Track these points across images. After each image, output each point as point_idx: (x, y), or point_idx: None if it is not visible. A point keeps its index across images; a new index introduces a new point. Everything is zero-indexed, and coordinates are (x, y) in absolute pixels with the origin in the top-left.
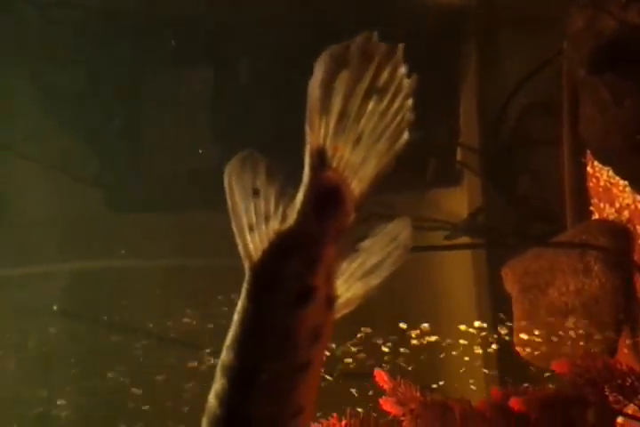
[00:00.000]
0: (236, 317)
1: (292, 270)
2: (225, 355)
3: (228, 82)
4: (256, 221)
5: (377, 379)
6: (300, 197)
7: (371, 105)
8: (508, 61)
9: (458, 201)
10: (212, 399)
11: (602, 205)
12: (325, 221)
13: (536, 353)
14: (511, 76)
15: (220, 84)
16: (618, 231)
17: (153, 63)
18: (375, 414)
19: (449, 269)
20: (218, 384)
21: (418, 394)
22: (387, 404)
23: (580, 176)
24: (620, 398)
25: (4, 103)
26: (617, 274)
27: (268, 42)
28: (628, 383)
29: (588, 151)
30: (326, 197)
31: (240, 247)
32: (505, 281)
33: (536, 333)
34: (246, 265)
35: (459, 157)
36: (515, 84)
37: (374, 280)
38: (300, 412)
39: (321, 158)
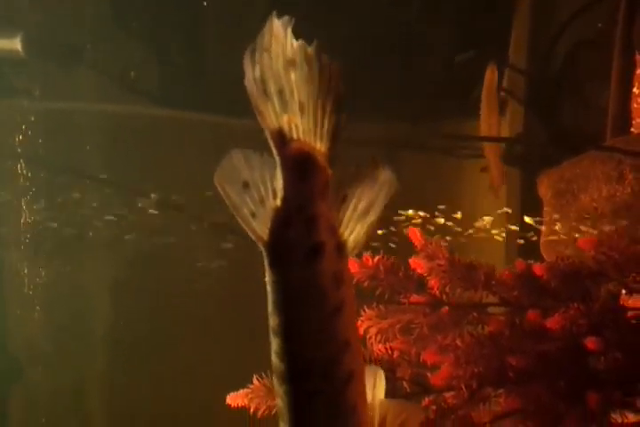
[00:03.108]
0: (268, 288)
1: (297, 235)
2: (271, 321)
3: None
4: (255, 208)
5: (410, 236)
6: (279, 173)
7: (294, 75)
8: None
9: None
10: (274, 359)
11: None
12: (308, 184)
13: (561, 256)
14: (565, 7)
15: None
16: None
17: None
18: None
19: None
20: (274, 345)
21: (446, 253)
22: (415, 262)
23: (626, 99)
24: (638, 279)
25: (76, 11)
26: None
27: None
28: None
29: (637, 73)
30: (299, 165)
31: (250, 234)
32: (539, 187)
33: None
34: (260, 246)
35: (504, 85)
36: (568, 15)
37: (371, 218)
38: (348, 345)
39: (280, 135)
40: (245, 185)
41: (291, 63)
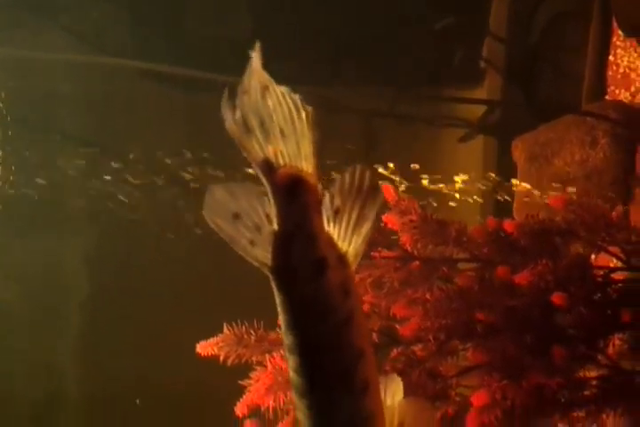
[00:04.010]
0: (279, 309)
1: (299, 253)
2: (285, 340)
3: None
4: (252, 236)
5: (384, 192)
6: (271, 200)
7: (270, 106)
8: None
9: (478, 98)
10: (292, 375)
11: (617, 91)
12: (302, 205)
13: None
14: None
15: None
16: (629, 109)
17: None
18: None
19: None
20: (291, 362)
21: (419, 209)
22: (388, 217)
23: (602, 66)
24: (607, 238)
25: None
26: (622, 149)
27: None
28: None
29: (614, 41)
30: (290, 189)
31: (252, 261)
32: (514, 151)
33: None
34: (266, 271)
35: (484, 54)
36: None
37: (366, 226)
38: (362, 353)
39: (267, 165)
40: (236, 216)
41: (265, 89)
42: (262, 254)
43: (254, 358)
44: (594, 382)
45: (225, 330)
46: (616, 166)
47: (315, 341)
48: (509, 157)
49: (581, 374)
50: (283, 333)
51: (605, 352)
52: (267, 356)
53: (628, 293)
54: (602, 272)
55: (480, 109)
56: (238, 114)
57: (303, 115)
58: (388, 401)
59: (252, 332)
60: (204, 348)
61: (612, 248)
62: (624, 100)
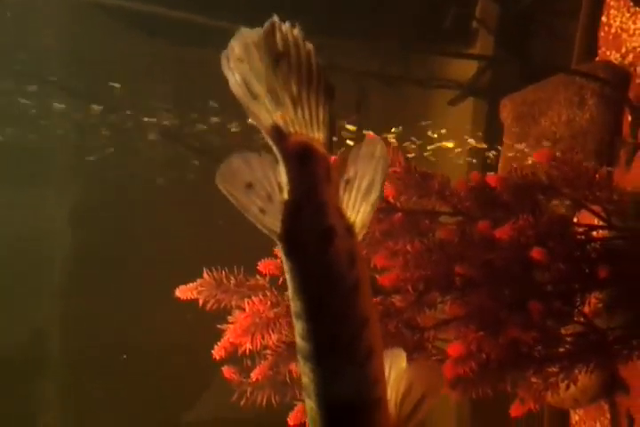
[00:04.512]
0: (287, 277)
1: (308, 222)
2: (293, 306)
3: None
4: (263, 205)
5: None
6: (281, 168)
7: (281, 71)
8: None
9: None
10: (298, 341)
11: (608, 52)
12: (312, 174)
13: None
14: None
15: None
16: (618, 70)
17: None
18: None
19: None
20: (298, 327)
21: (403, 160)
22: None
23: (594, 27)
24: (589, 196)
25: None
26: (609, 110)
27: None
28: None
29: (607, 1)
30: (300, 157)
31: (262, 229)
32: (502, 111)
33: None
34: (275, 239)
35: (476, 14)
36: None
37: (373, 195)
38: (367, 321)
39: (277, 132)
40: (249, 185)
41: (280, 57)
42: (272, 222)
43: (233, 303)
44: (568, 339)
45: (204, 275)
46: (602, 127)
47: (321, 306)
48: (498, 118)
49: (557, 330)
50: (290, 299)
51: (581, 310)
52: (245, 300)
53: (606, 251)
54: (582, 230)
55: (470, 72)
56: (238, 78)
57: (323, 84)
58: (393, 374)
59: (231, 277)
60: (183, 292)
61: (594, 207)
62: (614, 62)
